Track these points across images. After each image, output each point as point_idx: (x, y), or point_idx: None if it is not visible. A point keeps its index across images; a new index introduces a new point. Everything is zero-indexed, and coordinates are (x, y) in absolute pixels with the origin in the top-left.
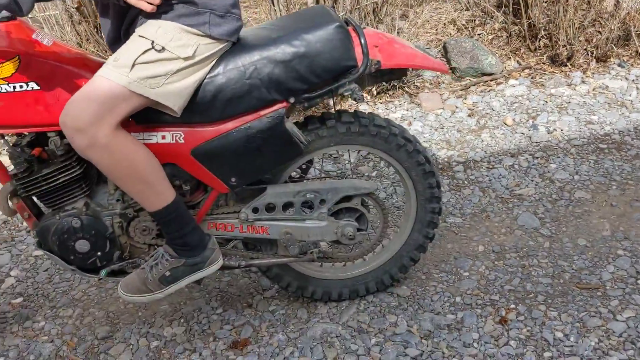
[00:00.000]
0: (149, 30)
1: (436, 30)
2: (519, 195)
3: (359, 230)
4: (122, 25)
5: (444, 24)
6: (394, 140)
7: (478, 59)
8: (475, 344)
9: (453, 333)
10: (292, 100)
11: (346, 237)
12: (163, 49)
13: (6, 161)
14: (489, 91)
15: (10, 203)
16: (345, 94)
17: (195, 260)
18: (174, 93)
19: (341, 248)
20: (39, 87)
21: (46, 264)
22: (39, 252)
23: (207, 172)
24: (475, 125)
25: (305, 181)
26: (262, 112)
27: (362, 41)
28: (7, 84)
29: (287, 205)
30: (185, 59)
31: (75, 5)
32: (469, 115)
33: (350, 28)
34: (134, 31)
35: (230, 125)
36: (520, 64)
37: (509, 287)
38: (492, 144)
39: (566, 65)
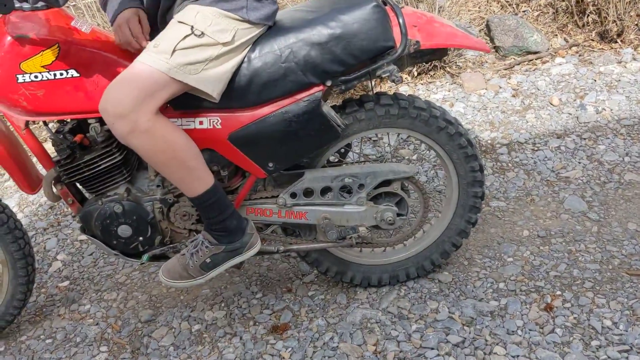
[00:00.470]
0: (187, 16)
1: (479, 7)
2: (565, 178)
3: (398, 215)
4: (157, 12)
5: (487, 1)
6: (434, 123)
7: (523, 37)
8: (519, 332)
9: (496, 320)
10: (328, 83)
11: (386, 222)
12: (202, 34)
13: (49, 148)
14: (534, 70)
15: (54, 189)
16: (384, 75)
17: (235, 246)
18: (212, 79)
19: (380, 233)
20: (78, 74)
21: (91, 248)
22: (84, 237)
23: (244, 158)
24: (520, 105)
25: (343, 165)
26: (299, 96)
27: (400, 21)
28: (48, 72)
29: (325, 190)
30: (224, 44)
31: None
32: (513, 96)
33: (387, 7)
34: (171, 18)
35: (266, 109)
36: (567, 41)
37: (555, 273)
38: (538, 125)
39: (616, 42)
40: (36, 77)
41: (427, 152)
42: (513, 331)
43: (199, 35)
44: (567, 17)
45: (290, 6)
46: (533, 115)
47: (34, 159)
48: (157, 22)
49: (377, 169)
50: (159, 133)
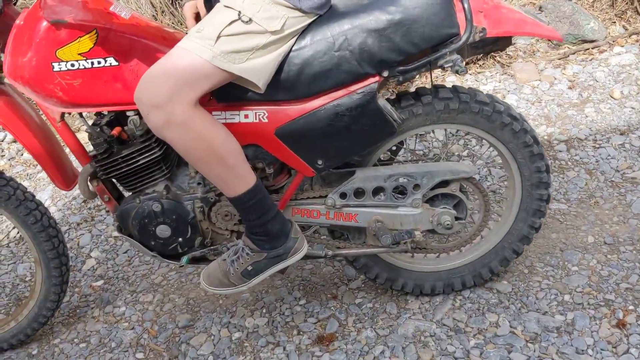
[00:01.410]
0: (235, 0)
1: None
2: (631, 178)
3: (456, 218)
4: None
5: None
6: (498, 119)
7: (579, 24)
8: (589, 351)
9: (563, 337)
10: (385, 73)
11: (443, 227)
12: (250, 20)
13: (86, 141)
14: (591, 60)
15: (90, 185)
16: (446, 66)
17: (278, 252)
18: (258, 68)
19: (436, 238)
20: (117, 63)
21: (125, 246)
22: (119, 234)
23: (291, 154)
24: (577, 98)
25: (396, 164)
26: (353, 88)
27: (465, 5)
28: (85, 60)
29: (377, 191)
30: (273, 32)
31: None
32: (570, 88)
33: None
34: (217, 1)
35: (317, 102)
36: (626, 29)
37: (626, 284)
38: (598, 120)
39: None
40: (73, 65)
41: (479, 148)
42: (583, 350)
43: (247, 21)
44: (627, 3)
45: None
46: (592, 109)
47: (69, 153)
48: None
49: (434, 169)
50: (196, 127)
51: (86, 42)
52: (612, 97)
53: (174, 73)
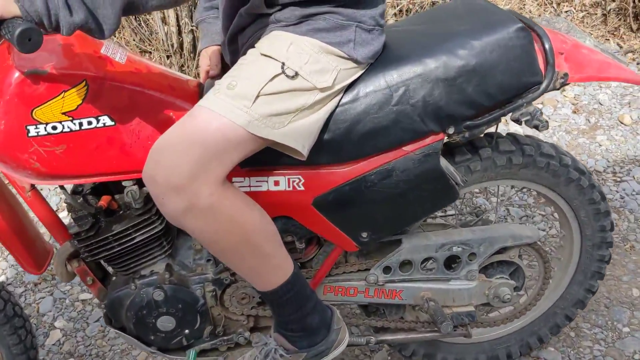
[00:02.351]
0: (277, 48)
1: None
2: None
3: (515, 289)
4: (230, 24)
5: None
6: (564, 174)
7: None
8: None
9: None
10: (450, 130)
11: (500, 300)
12: (296, 74)
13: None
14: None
15: (69, 266)
16: (523, 119)
17: (319, 349)
18: (301, 131)
19: (486, 310)
20: (113, 123)
21: (97, 313)
22: (89, 295)
23: (330, 227)
24: (585, 124)
25: (449, 229)
26: (410, 147)
27: (547, 46)
28: (72, 120)
29: (426, 261)
30: (323, 89)
31: None
32: (574, 112)
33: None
34: (245, 40)
35: (366, 165)
36: (621, 47)
37: None
38: (613, 149)
39: None
40: (55, 128)
41: (521, 198)
42: None
43: (292, 76)
44: (620, 19)
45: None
46: (605, 137)
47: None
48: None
49: (494, 234)
50: (225, 210)
51: (73, 98)
52: (622, 122)
53: (199, 143)
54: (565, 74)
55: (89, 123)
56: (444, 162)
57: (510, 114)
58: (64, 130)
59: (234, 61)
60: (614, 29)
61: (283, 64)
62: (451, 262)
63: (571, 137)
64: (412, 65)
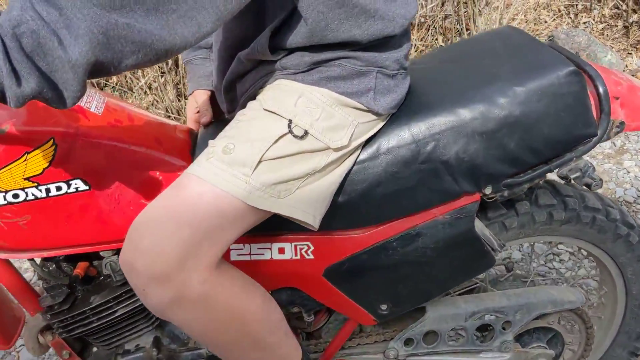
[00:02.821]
0: (283, 102)
1: (525, 16)
2: None
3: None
4: (226, 68)
5: (534, 8)
6: (610, 229)
7: (595, 57)
8: None
9: None
10: (488, 190)
11: None
12: (306, 133)
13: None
14: None
15: (41, 338)
16: (572, 176)
17: None
18: (311, 199)
19: None
20: (87, 187)
21: None
22: None
23: (344, 299)
24: (611, 148)
25: (479, 294)
26: (439, 210)
27: (601, 91)
28: (37, 187)
29: (453, 331)
30: (337, 149)
31: None
32: None
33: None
34: (245, 88)
35: (387, 230)
36: None
37: None
38: None
39: None
40: (16, 196)
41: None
42: None
43: (301, 136)
44: None
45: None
46: (633, 163)
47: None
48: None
49: (533, 300)
50: (221, 299)
51: (37, 160)
52: None
53: (187, 221)
54: (622, 123)
55: (58, 189)
56: (479, 225)
57: (557, 170)
58: (28, 198)
59: (230, 110)
60: (637, 42)
61: (290, 121)
62: (482, 330)
63: (596, 162)
64: (443, 115)
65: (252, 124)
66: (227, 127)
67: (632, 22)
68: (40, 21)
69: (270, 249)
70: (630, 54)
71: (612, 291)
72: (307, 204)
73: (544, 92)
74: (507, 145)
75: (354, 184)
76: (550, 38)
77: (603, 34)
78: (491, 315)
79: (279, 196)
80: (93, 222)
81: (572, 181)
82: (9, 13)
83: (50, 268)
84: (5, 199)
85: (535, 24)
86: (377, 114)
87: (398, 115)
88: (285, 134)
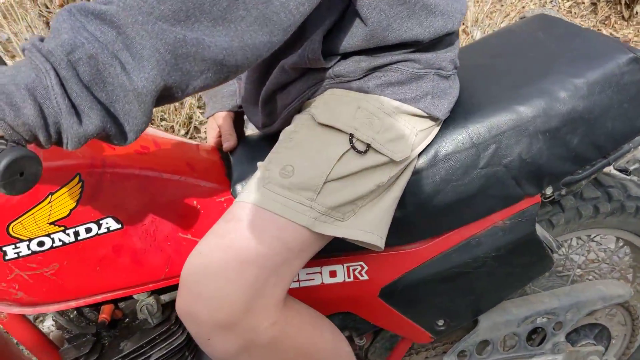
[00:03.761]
0: (340, 114)
1: None
2: None
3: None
4: (261, 86)
5: None
6: None
7: None
8: None
9: None
10: (549, 191)
11: None
12: (369, 147)
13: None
14: None
15: None
16: (631, 167)
17: None
18: (377, 218)
19: None
20: (119, 225)
21: None
22: None
23: (400, 319)
24: None
25: (529, 296)
26: (499, 216)
27: None
28: (64, 231)
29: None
30: (399, 162)
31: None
32: None
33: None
34: (287, 100)
35: (445, 242)
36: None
37: None
38: None
39: None
40: (41, 244)
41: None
42: None
43: (363, 151)
44: (610, 8)
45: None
46: None
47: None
48: (257, 100)
49: (582, 298)
50: (290, 341)
51: (63, 201)
52: None
53: (252, 259)
54: None
55: (88, 230)
56: (540, 229)
57: (614, 163)
58: (55, 244)
59: (267, 124)
60: (605, 18)
61: (351, 135)
62: (531, 333)
63: None
64: (501, 114)
65: (310, 142)
66: (278, 147)
67: None
68: (96, 43)
69: (320, 273)
70: (600, 30)
71: None
72: (372, 223)
73: (606, 83)
74: (571, 143)
75: (411, 196)
76: (522, 18)
77: (571, 12)
78: (543, 317)
79: (343, 218)
80: (128, 263)
81: (631, 174)
82: (57, 38)
83: (72, 315)
84: (29, 248)
85: (502, 5)
86: (435, 119)
87: (453, 118)
88: (347, 151)
